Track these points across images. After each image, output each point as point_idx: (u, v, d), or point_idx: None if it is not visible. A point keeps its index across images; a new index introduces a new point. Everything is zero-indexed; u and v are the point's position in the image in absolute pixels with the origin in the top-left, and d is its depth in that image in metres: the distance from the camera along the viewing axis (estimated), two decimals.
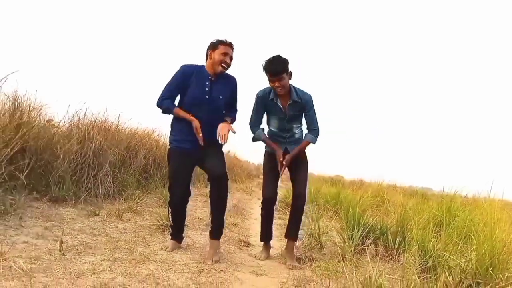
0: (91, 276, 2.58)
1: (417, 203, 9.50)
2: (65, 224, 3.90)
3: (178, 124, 3.51)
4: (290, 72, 3.60)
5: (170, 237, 3.71)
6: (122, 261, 2.97)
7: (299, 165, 3.76)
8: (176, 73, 3.51)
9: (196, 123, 3.32)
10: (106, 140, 6.06)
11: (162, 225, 4.20)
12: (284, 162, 3.65)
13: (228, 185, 3.48)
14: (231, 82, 3.61)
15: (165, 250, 3.50)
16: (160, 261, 3.12)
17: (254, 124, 3.81)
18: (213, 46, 3.49)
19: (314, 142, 3.80)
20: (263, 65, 3.54)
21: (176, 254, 3.43)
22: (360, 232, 4.44)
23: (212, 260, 3.32)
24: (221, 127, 3.35)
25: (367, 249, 4.56)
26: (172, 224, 3.66)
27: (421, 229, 4.87)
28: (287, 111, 3.69)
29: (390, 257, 4.46)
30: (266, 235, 3.91)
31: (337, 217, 7.49)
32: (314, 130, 3.77)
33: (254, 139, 3.85)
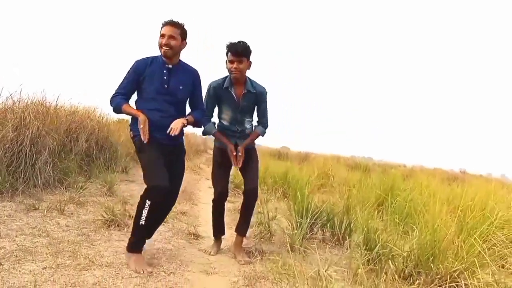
0: None
1: (360, 179, 9.85)
2: (1, 223, 3.66)
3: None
4: (250, 62, 3.61)
5: (130, 247, 3.15)
6: (65, 268, 2.83)
7: (250, 159, 3.73)
8: (129, 69, 3.32)
9: (142, 117, 3.12)
10: (44, 125, 5.72)
11: (107, 220, 4.06)
12: (239, 154, 3.62)
13: (176, 196, 3.51)
14: (192, 74, 3.44)
15: (138, 272, 2.99)
16: (106, 265, 3.00)
17: (206, 117, 3.71)
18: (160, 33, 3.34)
19: (262, 135, 3.83)
20: (227, 44, 3.53)
21: (121, 255, 3.31)
22: (308, 219, 4.51)
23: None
24: (175, 121, 3.21)
25: (315, 235, 4.69)
26: (143, 224, 3.07)
27: (365, 213, 5.05)
28: (241, 101, 3.65)
29: (337, 242, 4.60)
30: (218, 231, 3.88)
31: (286, 198, 7.61)
32: (264, 123, 3.80)
33: (204, 133, 3.77)
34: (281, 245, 4.28)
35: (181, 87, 3.33)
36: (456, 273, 3.26)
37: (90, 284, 2.63)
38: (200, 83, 3.50)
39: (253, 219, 4.83)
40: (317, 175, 10.92)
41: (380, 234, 4.81)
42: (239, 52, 3.49)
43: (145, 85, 3.26)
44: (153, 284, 2.80)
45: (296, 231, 4.54)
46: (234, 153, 3.62)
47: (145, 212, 3.04)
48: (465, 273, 3.26)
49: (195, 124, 3.47)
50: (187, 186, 7.71)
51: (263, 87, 3.74)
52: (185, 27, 3.34)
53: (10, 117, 5.21)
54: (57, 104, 7.21)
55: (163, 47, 3.25)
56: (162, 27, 3.29)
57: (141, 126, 3.09)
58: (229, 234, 4.19)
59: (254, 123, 3.88)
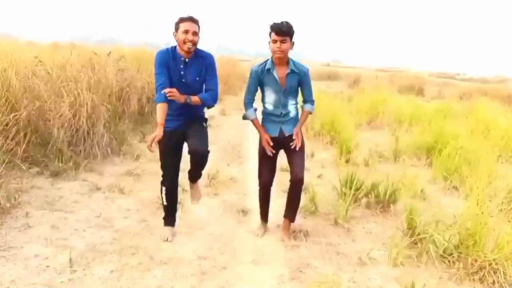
0: None
1: (411, 117, 9.66)
2: (71, 212, 4.07)
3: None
4: (293, 42, 3.59)
5: (163, 222, 3.81)
6: (129, 270, 3.18)
7: (298, 146, 3.76)
8: (156, 61, 3.44)
9: (156, 133, 3.30)
10: (97, 95, 5.98)
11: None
12: (270, 146, 3.70)
13: (207, 160, 3.61)
14: (207, 60, 3.53)
15: (166, 240, 3.69)
16: (164, 263, 3.33)
17: (248, 100, 3.79)
18: (176, 27, 3.42)
19: (312, 112, 3.85)
20: (271, 24, 3.51)
21: (178, 246, 3.63)
22: (352, 190, 4.63)
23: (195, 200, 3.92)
24: (176, 93, 3.34)
25: (360, 202, 4.83)
26: (166, 204, 3.72)
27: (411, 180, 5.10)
28: (284, 82, 3.66)
29: (382, 210, 4.72)
30: (264, 215, 4.09)
31: (333, 145, 7.69)
32: (312, 100, 3.79)
33: (244, 117, 3.86)
34: (326, 218, 4.47)
35: (197, 79, 3.48)
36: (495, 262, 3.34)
37: None
38: (212, 66, 3.56)
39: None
40: (368, 109, 10.81)
41: (425, 199, 4.91)
42: (283, 32, 3.46)
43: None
44: (208, 284, 3.10)
45: (340, 200, 4.72)
46: (268, 144, 3.68)
47: (163, 196, 3.69)
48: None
49: (202, 104, 3.54)
50: (233, 138, 7.97)
51: (306, 67, 3.71)
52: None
53: (66, 95, 5.47)
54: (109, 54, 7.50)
55: (187, 43, 3.35)
56: (182, 22, 3.36)
57: (150, 139, 3.28)
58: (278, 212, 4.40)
59: (299, 105, 3.89)
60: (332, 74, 29.53)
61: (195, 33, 3.37)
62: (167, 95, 3.27)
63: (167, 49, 3.49)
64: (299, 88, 3.77)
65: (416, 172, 5.75)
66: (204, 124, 3.68)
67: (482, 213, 3.58)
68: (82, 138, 5.42)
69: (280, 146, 3.82)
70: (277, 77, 3.63)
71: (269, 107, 3.75)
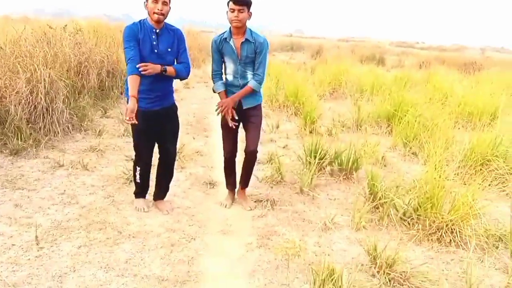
0: (73, 276, 2.80)
1: (372, 85, 9.86)
2: (33, 190, 3.99)
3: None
4: (251, 13, 3.60)
5: (135, 195, 3.90)
6: (98, 244, 3.19)
7: (251, 119, 3.82)
8: (124, 34, 3.35)
9: (130, 106, 3.14)
10: (54, 69, 5.79)
11: (128, 178, 4.35)
12: (228, 112, 3.66)
13: (175, 154, 3.79)
14: (177, 34, 3.53)
15: (138, 211, 3.78)
16: (133, 236, 3.35)
17: (214, 73, 3.78)
18: None
19: (257, 89, 3.73)
20: None
21: (145, 220, 3.65)
22: (316, 160, 4.74)
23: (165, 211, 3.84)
24: (150, 64, 3.31)
25: (324, 170, 4.96)
26: (139, 182, 3.79)
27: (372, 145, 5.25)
28: (240, 52, 3.66)
29: (345, 177, 4.87)
30: (230, 185, 4.16)
31: (297, 116, 7.78)
32: (259, 75, 3.69)
33: (214, 90, 3.84)
34: (292, 187, 4.58)
35: (169, 49, 3.46)
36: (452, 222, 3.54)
37: (122, 263, 2.99)
38: (183, 39, 3.57)
39: (263, 155, 5.12)
40: (330, 80, 10.94)
41: (386, 166, 5.09)
42: (241, 1, 3.48)
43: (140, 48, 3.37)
44: (177, 254, 3.15)
45: (305, 169, 4.83)
46: (235, 117, 3.69)
47: (137, 174, 3.76)
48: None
49: (176, 75, 3.50)
50: (199, 111, 7.93)
51: (263, 37, 3.70)
52: None
53: (21, 71, 5.27)
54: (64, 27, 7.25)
55: (157, 14, 3.31)
56: None
57: (127, 112, 3.14)
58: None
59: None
60: (295, 45, 29.54)
61: (165, 3, 3.32)
62: (140, 69, 3.21)
63: (134, 22, 3.43)
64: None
65: (377, 140, 5.93)
66: (176, 114, 3.72)
67: (440, 177, 3.75)
68: (41, 115, 5.26)
69: (239, 118, 3.84)
70: (233, 47, 3.65)
71: (229, 77, 3.78)
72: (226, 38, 3.66)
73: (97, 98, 7.16)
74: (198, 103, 8.79)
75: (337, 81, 10.80)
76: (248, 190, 4.20)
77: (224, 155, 4.00)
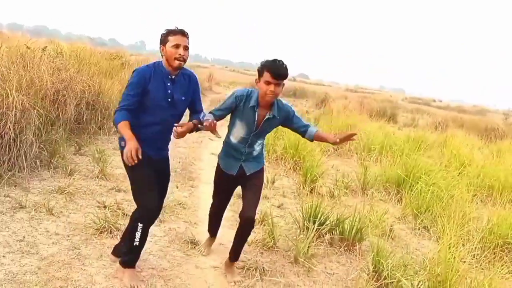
0: None
1: (382, 144, 10.01)
2: None
3: (138, 128, 3.34)
4: (283, 84, 3.66)
5: (125, 264, 3.55)
6: None
7: (252, 180, 3.85)
8: (132, 78, 3.42)
9: (130, 146, 3.12)
10: (28, 96, 5.84)
11: (99, 228, 4.31)
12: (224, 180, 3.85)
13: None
14: (193, 81, 3.62)
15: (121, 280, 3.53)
16: None
17: (214, 111, 3.68)
18: (163, 40, 3.42)
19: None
20: (266, 63, 3.53)
21: (113, 281, 3.57)
22: (315, 224, 4.75)
23: None
24: (185, 124, 3.38)
25: (323, 238, 4.94)
26: (136, 245, 3.43)
27: (379, 215, 5.28)
28: (261, 125, 3.72)
29: (346, 248, 4.85)
30: (212, 231, 4.32)
31: (296, 172, 7.83)
32: (308, 124, 3.85)
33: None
34: (285, 255, 4.55)
35: (183, 98, 3.53)
36: None
37: None
38: (198, 86, 3.68)
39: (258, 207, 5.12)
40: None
41: (393, 239, 5.09)
42: (281, 75, 3.52)
43: (149, 98, 3.40)
44: None
45: (301, 235, 4.82)
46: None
47: (138, 235, 3.40)
48: None
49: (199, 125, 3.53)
50: (185, 157, 7.96)
51: (291, 109, 3.82)
52: None
53: None
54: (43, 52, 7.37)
55: (178, 60, 3.36)
56: (172, 36, 3.37)
57: (128, 155, 3.11)
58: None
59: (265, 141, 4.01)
60: (298, 90, 30.15)
61: (186, 48, 3.39)
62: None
63: (148, 65, 3.49)
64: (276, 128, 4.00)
65: (384, 208, 5.96)
66: (169, 166, 3.79)
67: (454, 258, 3.77)
68: (7, 146, 5.26)
69: (238, 183, 3.97)
70: (256, 118, 3.68)
71: (233, 140, 3.81)
72: (254, 107, 3.65)
73: (72, 132, 7.18)
74: (185, 146, 8.84)
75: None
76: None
77: (211, 209, 4.15)
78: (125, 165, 3.44)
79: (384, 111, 21.60)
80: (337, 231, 4.94)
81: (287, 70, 3.55)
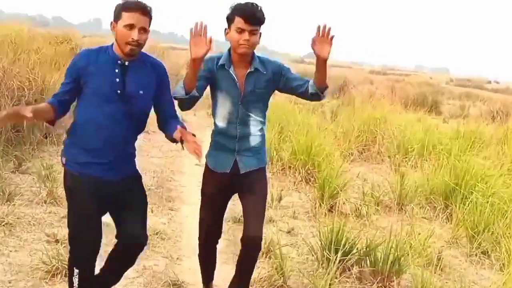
0: None
1: (422, 142, 10.04)
2: None
3: (80, 131, 3.38)
4: (261, 33, 3.70)
5: None
6: None
7: (252, 186, 3.82)
8: (68, 67, 3.43)
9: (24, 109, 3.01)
10: None
11: (50, 271, 4.32)
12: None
13: (145, 239, 3.57)
14: (159, 70, 3.52)
15: None
16: None
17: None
18: (116, 15, 3.32)
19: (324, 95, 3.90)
20: (236, 6, 3.59)
21: None
22: (338, 254, 4.75)
23: None
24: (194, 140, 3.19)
25: (350, 271, 4.95)
26: None
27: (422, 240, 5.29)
28: (245, 86, 3.72)
29: (381, 283, 4.86)
30: (207, 279, 4.20)
31: (309, 184, 7.85)
32: (308, 80, 3.84)
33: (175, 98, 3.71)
34: None
35: (141, 92, 3.41)
36: None
37: None
38: (167, 80, 3.58)
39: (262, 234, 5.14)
40: (360, 132, 11.09)
41: (442, 269, 5.11)
42: (256, 19, 3.57)
43: (88, 89, 3.34)
44: None
45: (320, 269, 4.83)
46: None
47: (75, 281, 3.37)
48: None
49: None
50: (161, 170, 7.98)
51: (277, 61, 3.88)
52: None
53: None
54: None
55: (130, 45, 3.27)
56: (127, 12, 3.26)
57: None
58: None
59: (266, 127, 3.97)
60: (309, 75, 30.10)
61: (144, 30, 3.30)
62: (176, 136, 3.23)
63: (90, 49, 3.49)
64: (267, 96, 3.87)
65: (429, 228, 5.96)
66: (142, 185, 3.70)
67: None
68: None
69: (233, 188, 3.89)
70: (235, 77, 3.70)
71: (221, 124, 3.80)
72: (223, 65, 3.69)
73: (8, 142, 7.19)
74: (160, 156, 8.86)
75: (370, 134, 10.98)
76: None
77: (200, 239, 4.02)
78: (66, 187, 3.51)
79: (423, 99, 21.64)
80: (368, 262, 4.94)
81: (263, 13, 3.60)
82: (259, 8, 3.57)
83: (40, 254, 4.55)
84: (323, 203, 6.80)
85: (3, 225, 5.12)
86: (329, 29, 3.56)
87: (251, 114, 3.78)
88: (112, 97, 3.33)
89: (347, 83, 24.32)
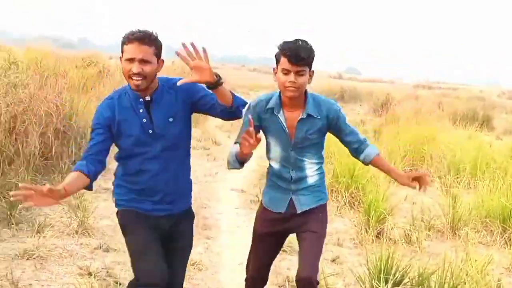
0: None
1: (475, 159, 9.92)
2: None
3: (126, 176, 3.50)
4: (313, 72, 3.61)
5: None
6: None
7: (309, 225, 3.77)
8: (92, 121, 3.49)
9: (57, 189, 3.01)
10: None
11: None
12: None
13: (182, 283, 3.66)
14: (179, 90, 3.49)
15: None
16: None
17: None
18: (121, 49, 3.37)
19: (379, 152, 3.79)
20: (283, 45, 3.50)
21: None
22: (390, 284, 4.71)
23: None
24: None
25: None
26: None
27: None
28: (295, 132, 3.65)
29: None
30: None
31: (353, 209, 7.81)
32: (365, 140, 3.77)
33: (229, 165, 3.77)
34: None
35: (170, 120, 3.44)
36: None
37: None
38: (198, 86, 3.53)
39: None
40: (406, 151, 11.02)
41: None
42: (302, 59, 3.45)
43: (122, 139, 3.44)
44: None
45: None
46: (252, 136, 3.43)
47: None
48: None
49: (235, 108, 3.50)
50: (196, 197, 8.00)
51: (334, 105, 3.75)
52: (158, 38, 3.39)
53: None
54: None
55: (133, 78, 3.28)
56: (128, 44, 3.31)
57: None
58: None
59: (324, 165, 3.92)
60: (348, 91, 30.14)
61: (144, 62, 3.28)
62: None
63: (108, 98, 3.52)
64: (322, 139, 3.78)
65: (487, 254, 5.87)
66: (192, 225, 3.82)
67: None
68: None
69: (288, 228, 3.87)
70: (283, 123, 3.64)
71: (275, 165, 3.78)
72: (272, 109, 3.63)
73: (37, 171, 7.31)
74: (195, 182, 8.88)
75: (417, 153, 10.91)
76: None
77: (247, 274, 4.01)
78: (121, 227, 3.57)
79: (473, 114, 21.44)
80: None
81: (311, 51, 3.50)
82: (306, 45, 3.49)
83: None
84: (369, 229, 6.74)
85: (34, 258, 5.19)
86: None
87: (304, 159, 3.72)
88: (146, 139, 3.41)
89: (390, 99, 24.17)
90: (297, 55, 3.42)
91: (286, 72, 3.46)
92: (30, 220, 6.04)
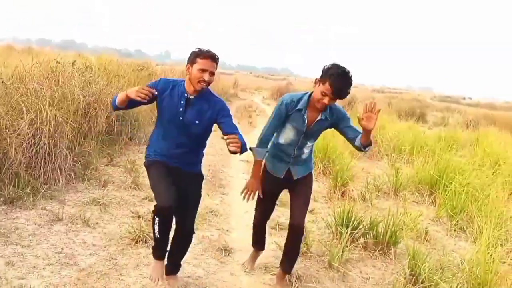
0: None
1: (412, 145, 9.87)
2: (27, 247, 4.04)
3: (155, 140, 3.55)
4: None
5: (153, 255, 3.58)
6: None
7: (300, 186, 3.81)
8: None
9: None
10: (61, 110, 6.00)
11: (134, 238, 4.39)
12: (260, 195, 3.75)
13: (192, 229, 3.71)
14: (214, 107, 3.45)
15: (153, 281, 3.51)
16: None
17: (265, 138, 3.71)
18: (191, 60, 3.36)
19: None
20: (333, 73, 3.34)
21: None
22: (348, 229, 4.72)
23: None
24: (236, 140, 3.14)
25: (357, 242, 4.91)
26: (158, 237, 3.44)
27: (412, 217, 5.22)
28: (312, 127, 3.63)
29: (381, 252, 4.81)
30: (258, 244, 4.20)
31: (325, 175, 7.81)
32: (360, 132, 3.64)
33: (251, 149, 3.66)
34: (319, 260, 4.54)
35: (197, 122, 3.41)
36: None
37: None
38: (225, 109, 3.49)
39: (286, 220, 5.12)
40: None
41: (429, 241, 5.03)
42: (342, 96, 3.38)
43: (162, 109, 3.45)
44: None
45: (335, 239, 4.81)
46: (252, 191, 3.67)
47: (156, 227, 3.39)
48: None
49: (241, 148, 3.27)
50: (214, 164, 8.02)
51: (345, 113, 3.68)
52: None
53: (26, 111, 5.47)
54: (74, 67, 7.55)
55: (201, 83, 3.31)
56: (201, 59, 3.30)
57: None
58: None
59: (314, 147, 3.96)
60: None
61: (212, 74, 3.34)
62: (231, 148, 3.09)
63: (168, 80, 3.51)
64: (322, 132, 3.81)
65: (418, 209, 5.90)
66: (201, 184, 3.71)
67: (493, 259, 3.70)
68: (42, 161, 5.40)
69: (284, 187, 3.93)
70: (306, 120, 3.58)
71: (282, 141, 3.73)
72: (301, 110, 3.56)
73: (103, 143, 7.33)
74: (214, 154, 8.91)
75: (373, 138, 10.87)
76: (268, 260, 4.18)
77: (254, 220, 4.08)
78: (146, 167, 3.57)
79: (413, 111, 21.38)
80: (371, 235, 4.90)
81: (349, 91, 3.40)
82: (348, 84, 3.38)
83: (127, 226, 4.63)
84: (336, 190, 6.76)
85: (100, 205, 5.22)
86: (375, 105, 3.38)
87: (308, 142, 3.73)
88: (176, 121, 3.41)
89: (354, 99, 24.07)
90: (340, 91, 3.35)
91: (325, 95, 3.39)
92: (97, 178, 6.05)
